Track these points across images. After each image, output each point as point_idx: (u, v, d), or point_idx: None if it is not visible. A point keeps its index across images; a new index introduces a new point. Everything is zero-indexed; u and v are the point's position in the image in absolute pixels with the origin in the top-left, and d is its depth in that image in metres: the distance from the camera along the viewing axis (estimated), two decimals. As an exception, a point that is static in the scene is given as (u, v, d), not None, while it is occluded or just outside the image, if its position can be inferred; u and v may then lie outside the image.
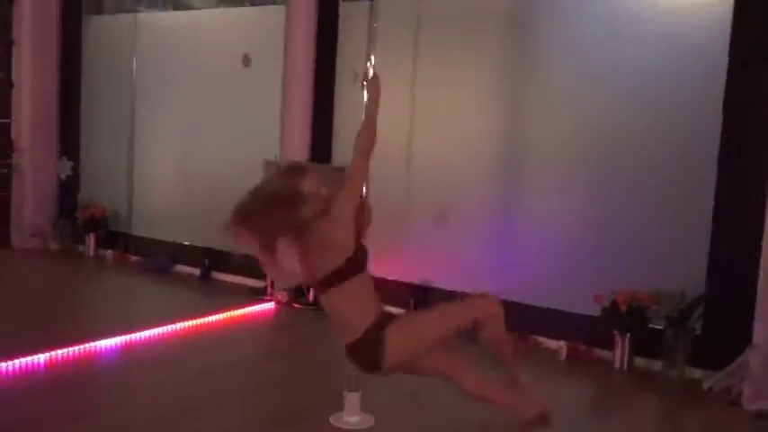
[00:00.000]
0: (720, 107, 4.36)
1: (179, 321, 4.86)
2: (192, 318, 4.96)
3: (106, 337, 4.40)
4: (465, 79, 5.30)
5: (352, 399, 3.40)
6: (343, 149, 5.80)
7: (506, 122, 5.19)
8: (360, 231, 2.75)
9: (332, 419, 3.40)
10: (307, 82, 5.56)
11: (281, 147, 5.70)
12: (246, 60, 5.18)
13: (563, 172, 4.96)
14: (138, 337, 4.57)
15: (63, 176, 6.64)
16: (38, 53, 6.97)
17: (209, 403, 3.61)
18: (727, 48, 4.33)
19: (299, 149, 5.70)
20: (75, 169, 7.05)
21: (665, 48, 4.57)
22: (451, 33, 5.34)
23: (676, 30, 4.53)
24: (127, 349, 4.43)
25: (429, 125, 5.47)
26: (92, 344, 4.31)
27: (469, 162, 5.31)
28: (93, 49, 7.15)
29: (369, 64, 3.41)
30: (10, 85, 7.07)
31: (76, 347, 4.23)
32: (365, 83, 3.32)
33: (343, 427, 3.37)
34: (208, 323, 5.03)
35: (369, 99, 3.14)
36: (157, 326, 4.72)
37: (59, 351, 4.14)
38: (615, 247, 4.75)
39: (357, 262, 2.67)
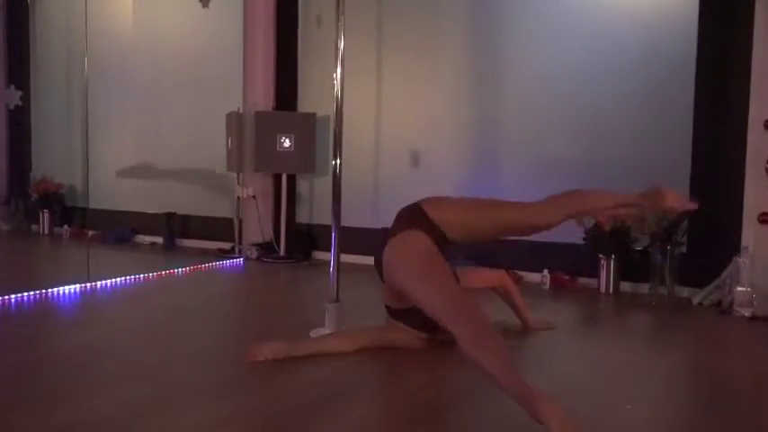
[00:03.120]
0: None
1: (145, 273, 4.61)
2: (158, 271, 4.71)
3: (65, 285, 4.12)
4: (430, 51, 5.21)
5: (333, 310, 3.19)
6: (307, 96, 5.63)
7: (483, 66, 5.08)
8: None
9: (312, 333, 3.18)
10: (268, 26, 5.38)
11: (244, 97, 5.49)
12: (204, -1, 4.99)
13: (540, 108, 4.86)
14: (101, 285, 4.29)
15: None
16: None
17: (184, 328, 3.38)
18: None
19: (262, 99, 5.50)
20: (27, 145, 6.72)
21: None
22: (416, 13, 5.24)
23: None
24: (89, 295, 4.14)
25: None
26: (50, 289, 4.03)
27: (443, 101, 5.19)
28: (41, 20, 6.85)
29: None
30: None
31: (33, 292, 3.95)
32: None
33: (324, 339, 3.15)
34: (176, 274, 4.78)
35: None
36: (122, 276, 4.45)
37: (13, 295, 3.85)
38: (596, 174, 4.64)
39: None
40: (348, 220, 5.01)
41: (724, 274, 4.01)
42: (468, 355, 2.15)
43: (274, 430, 2.11)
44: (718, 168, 4.28)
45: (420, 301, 2.52)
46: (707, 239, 4.29)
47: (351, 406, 2.31)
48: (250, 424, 2.15)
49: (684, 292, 4.26)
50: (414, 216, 2.81)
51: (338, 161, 3.33)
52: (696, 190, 4.31)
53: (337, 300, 3.23)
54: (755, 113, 3.90)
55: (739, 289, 3.81)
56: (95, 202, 6.59)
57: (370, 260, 5.19)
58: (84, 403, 2.27)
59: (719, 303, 4.02)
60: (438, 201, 2.88)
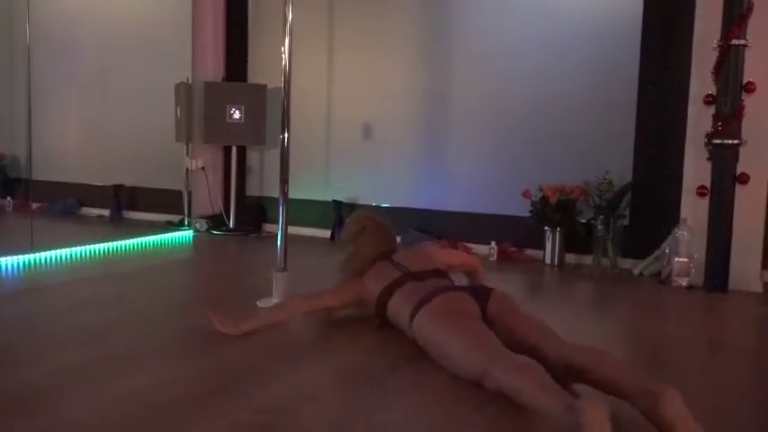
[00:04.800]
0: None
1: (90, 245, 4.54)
2: (104, 243, 4.65)
3: (7, 255, 4.03)
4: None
5: (280, 278, 3.20)
6: (259, 68, 5.58)
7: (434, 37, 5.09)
8: None
9: (259, 303, 3.19)
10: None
11: (193, 67, 5.41)
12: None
13: (491, 82, 4.90)
14: (44, 256, 4.22)
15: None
16: None
17: (128, 298, 3.34)
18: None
19: (212, 69, 5.43)
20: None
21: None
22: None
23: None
24: (31, 266, 4.06)
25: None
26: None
27: (396, 75, 5.19)
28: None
29: None
30: None
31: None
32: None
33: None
34: (123, 246, 4.72)
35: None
36: (66, 248, 4.38)
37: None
38: (543, 147, 4.72)
39: None
40: (299, 193, 5.05)
41: (663, 246, 4.14)
42: (500, 385, 1.95)
43: (216, 392, 2.11)
44: (661, 142, 4.39)
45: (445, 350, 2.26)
46: (649, 212, 4.41)
47: (299, 368, 2.33)
48: (190, 387, 2.15)
49: (626, 263, 4.38)
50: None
51: (287, 134, 3.32)
52: (639, 163, 4.44)
53: (285, 269, 3.24)
54: (696, 89, 4.00)
55: (678, 260, 3.93)
56: (39, 174, 6.42)
57: (319, 233, 5.28)
58: (15, 371, 2.22)
59: (659, 274, 4.15)
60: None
